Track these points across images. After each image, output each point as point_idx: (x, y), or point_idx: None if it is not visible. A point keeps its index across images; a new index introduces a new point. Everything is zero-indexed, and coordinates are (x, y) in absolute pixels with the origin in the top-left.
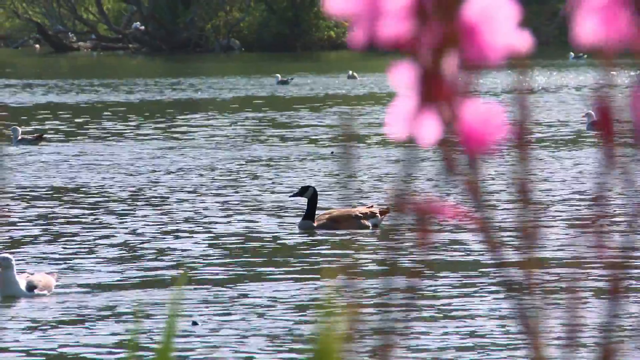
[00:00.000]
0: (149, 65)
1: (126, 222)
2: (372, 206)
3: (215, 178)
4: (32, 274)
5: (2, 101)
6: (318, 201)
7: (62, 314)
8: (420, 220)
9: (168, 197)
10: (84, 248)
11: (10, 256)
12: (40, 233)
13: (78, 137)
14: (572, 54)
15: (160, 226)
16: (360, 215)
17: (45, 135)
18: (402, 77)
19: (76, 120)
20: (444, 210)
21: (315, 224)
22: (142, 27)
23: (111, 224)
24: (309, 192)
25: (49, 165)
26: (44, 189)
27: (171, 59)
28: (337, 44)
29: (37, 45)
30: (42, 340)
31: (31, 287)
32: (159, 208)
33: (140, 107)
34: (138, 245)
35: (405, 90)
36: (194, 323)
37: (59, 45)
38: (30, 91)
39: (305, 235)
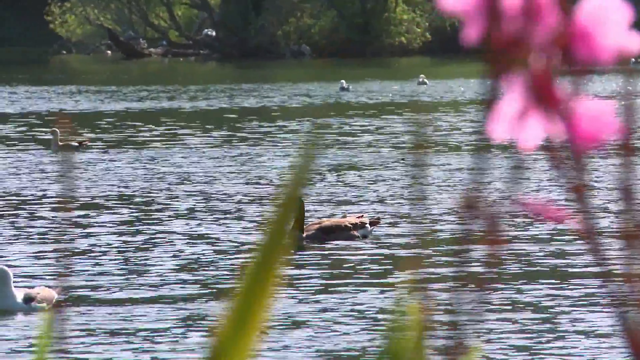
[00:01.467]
0: (220, 71)
1: (187, 230)
2: (362, 216)
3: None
4: (32, 288)
5: (73, 108)
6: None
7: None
8: (491, 225)
9: (231, 206)
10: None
11: (6, 268)
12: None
13: (133, 144)
14: None
15: (219, 238)
16: (349, 225)
17: (87, 142)
18: (508, 78)
19: (142, 127)
20: (549, 213)
21: (304, 235)
22: (213, 34)
23: (168, 234)
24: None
25: (100, 172)
26: (88, 197)
27: (242, 65)
28: (407, 50)
29: (109, 52)
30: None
31: (28, 299)
32: (217, 218)
33: (208, 114)
34: (196, 255)
35: (511, 91)
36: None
37: (130, 52)
38: (100, 98)
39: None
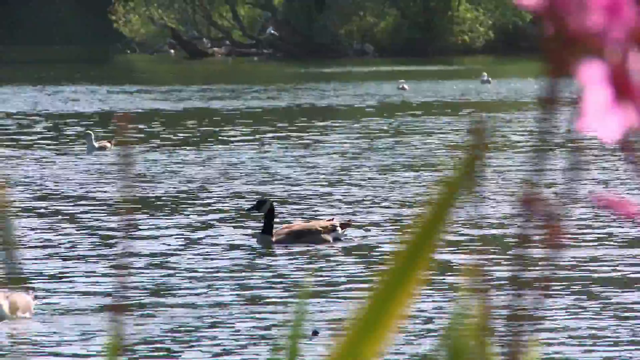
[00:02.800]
0: (283, 70)
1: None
2: (332, 219)
3: (337, 185)
4: (6, 294)
5: (135, 107)
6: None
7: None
8: (550, 221)
9: (301, 203)
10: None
11: None
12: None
13: (195, 144)
14: None
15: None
16: (320, 229)
17: (115, 143)
18: (591, 73)
19: (205, 126)
20: (622, 208)
21: (273, 239)
22: (276, 33)
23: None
24: (265, 207)
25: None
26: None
27: (304, 64)
28: (470, 49)
29: (172, 51)
30: None
31: (14, 309)
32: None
33: (271, 113)
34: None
35: (593, 87)
36: (315, 332)
37: (194, 51)
38: (162, 97)
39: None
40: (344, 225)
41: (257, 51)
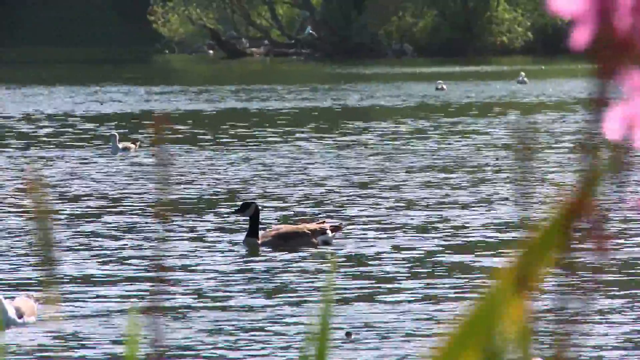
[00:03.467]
0: (321, 71)
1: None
2: (323, 222)
3: (371, 186)
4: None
5: (173, 107)
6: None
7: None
8: (596, 228)
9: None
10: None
11: None
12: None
13: (232, 144)
14: None
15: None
16: (308, 232)
17: (141, 144)
18: (628, 80)
19: (242, 126)
20: None
21: (259, 241)
22: (315, 33)
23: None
24: (250, 210)
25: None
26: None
27: (343, 64)
28: (509, 49)
29: (211, 51)
30: None
31: (20, 314)
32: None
33: (309, 113)
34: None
35: (626, 91)
36: (348, 334)
37: (232, 51)
38: (201, 97)
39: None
40: (335, 229)
41: (296, 51)
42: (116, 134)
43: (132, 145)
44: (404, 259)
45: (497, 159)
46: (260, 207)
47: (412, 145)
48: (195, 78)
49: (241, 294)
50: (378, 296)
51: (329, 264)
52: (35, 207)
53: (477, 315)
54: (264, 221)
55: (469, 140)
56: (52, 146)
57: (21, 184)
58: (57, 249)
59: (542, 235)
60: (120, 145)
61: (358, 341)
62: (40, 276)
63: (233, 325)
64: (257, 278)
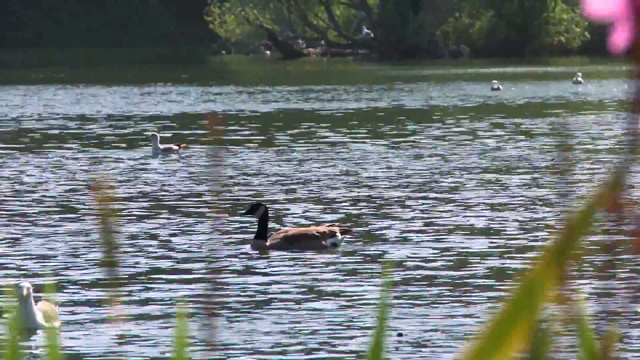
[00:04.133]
0: (377, 71)
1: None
2: (332, 225)
3: (426, 187)
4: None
5: (229, 107)
6: (269, 218)
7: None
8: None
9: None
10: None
11: (28, 284)
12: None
13: (287, 144)
14: None
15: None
16: (317, 234)
17: (187, 145)
18: None
19: (296, 126)
20: None
21: (267, 244)
22: (371, 33)
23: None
24: (259, 211)
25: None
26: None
27: (400, 65)
28: (567, 49)
29: (268, 52)
30: None
31: (47, 318)
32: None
33: (365, 114)
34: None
35: None
36: (400, 334)
37: (289, 52)
38: (256, 98)
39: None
40: (344, 232)
41: (352, 51)
42: (157, 134)
43: (174, 147)
44: (457, 261)
45: (552, 160)
46: (268, 208)
47: (467, 146)
48: (252, 78)
49: (290, 295)
50: (429, 297)
51: (385, 267)
52: (100, 208)
53: (519, 298)
54: (318, 220)
55: (524, 141)
56: (98, 147)
57: (82, 184)
58: (120, 250)
59: (577, 220)
60: (161, 147)
61: (409, 342)
62: (105, 276)
63: (285, 326)
64: (302, 279)
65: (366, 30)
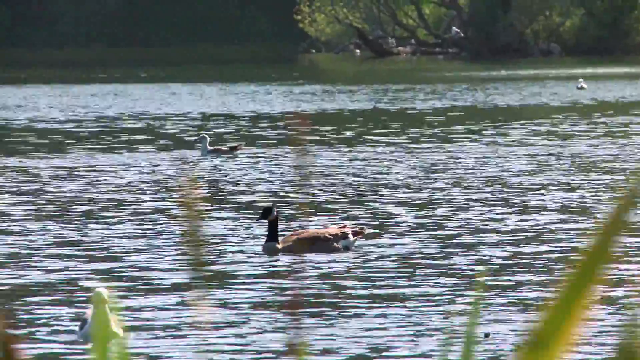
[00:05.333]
0: (467, 69)
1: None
2: (344, 226)
3: (515, 187)
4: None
5: (316, 106)
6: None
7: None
8: None
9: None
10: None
11: (104, 290)
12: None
13: (375, 142)
14: None
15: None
16: (329, 236)
17: (242, 146)
18: None
19: (386, 125)
20: None
21: (280, 246)
22: (461, 32)
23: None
24: (272, 214)
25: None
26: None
27: (489, 63)
28: None
29: (357, 51)
30: None
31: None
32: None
33: (454, 112)
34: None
35: None
36: (486, 335)
37: (379, 50)
38: (345, 96)
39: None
40: (356, 233)
41: (442, 50)
42: (206, 135)
43: (224, 148)
44: (546, 262)
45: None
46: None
47: (560, 146)
48: (341, 77)
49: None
50: (515, 297)
51: (480, 271)
52: (187, 207)
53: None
54: (411, 222)
55: (609, 140)
56: (178, 146)
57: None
58: (206, 250)
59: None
60: (210, 148)
61: (496, 341)
62: (191, 277)
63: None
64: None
65: (456, 29)
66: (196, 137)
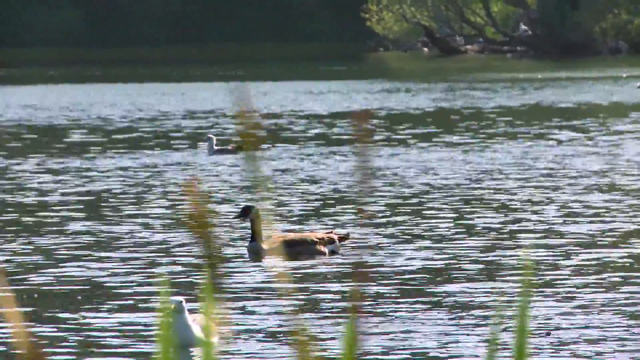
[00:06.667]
0: (535, 68)
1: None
2: (331, 232)
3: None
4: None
5: (381, 105)
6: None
7: None
8: None
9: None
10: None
11: (180, 298)
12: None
13: (444, 142)
14: None
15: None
16: (316, 240)
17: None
18: None
19: (453, 123)
20: None
21: (265, 247)
22: (529, 30)
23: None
24: (253, 214)
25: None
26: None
27: (557, 62)
28: None
29: (425, 49)
30: None
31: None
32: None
33: (519, 111)
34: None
35: None
36: (547, 334)
37: (446, 48)
38: (412, 95)
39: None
40: (342, 238)
41: (510, 48)
42: (213, 136)
43: (229, 147)
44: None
45: None
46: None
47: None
48: (408, 75)
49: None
50: (576, 296)
51: (526, 264)
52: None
53: None
54: (494, 223)
55: None
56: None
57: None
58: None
59: None
60: (216, 148)
61: (557, 340)
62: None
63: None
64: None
65: (524, 27)
66: (205, 138)
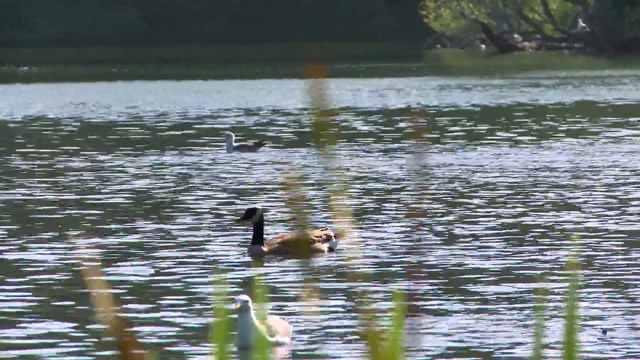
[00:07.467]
0: (592, 65)
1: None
2: (327, 229)
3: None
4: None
5: (439, 102)
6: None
7: None
8: None
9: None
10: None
11: (248, 298)
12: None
13: (493, 140)
14: None
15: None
16: (314, 239)
17: (266, 142)
18: None
19: (505, 121)
20: None
21: (265, 249)
22: (587, 27)
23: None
24: (256, 216)
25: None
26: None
27: (615, 59)
28: None
29: (483, 46)
30: None
31: (271, 333)
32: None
33: (577, 108)
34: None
35: None
36: (604, 332)
37: (504, 45)
38: (469, 92)
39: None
40: (336, 235)
41: (568, 45)
42: (232, 133)
43: (249, 144)
44: None
45: None
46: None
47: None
48: (465, 72)
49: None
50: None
51: (570, 262)
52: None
53: None
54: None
55: None
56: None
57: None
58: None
59: None
60: (235, 144)
61: (614, 338)
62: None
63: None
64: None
65: (582, 24)
66: (223, 135)
